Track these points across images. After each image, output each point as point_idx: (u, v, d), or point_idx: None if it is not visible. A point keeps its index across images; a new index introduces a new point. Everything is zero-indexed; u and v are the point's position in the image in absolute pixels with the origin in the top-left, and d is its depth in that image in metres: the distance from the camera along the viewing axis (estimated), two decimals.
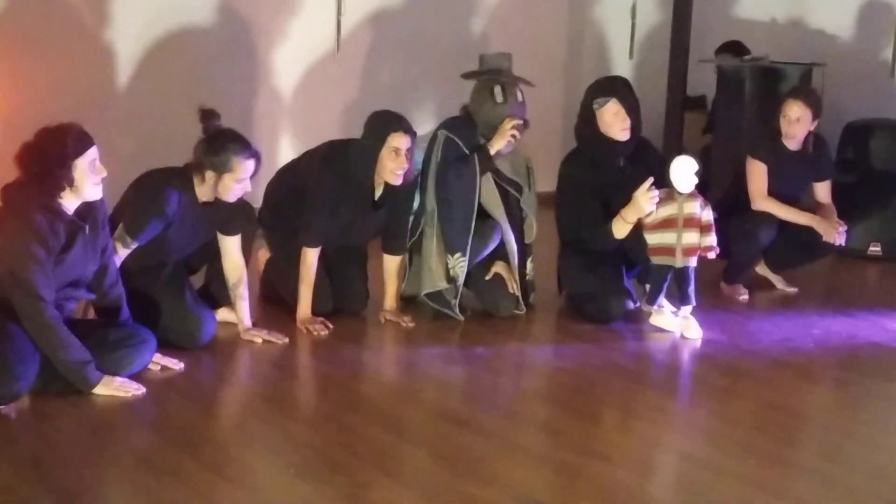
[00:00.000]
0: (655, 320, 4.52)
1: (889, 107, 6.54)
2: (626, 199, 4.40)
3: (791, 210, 5.02)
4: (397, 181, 4.29)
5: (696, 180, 4.31)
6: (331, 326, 4.37)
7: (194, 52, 5.93)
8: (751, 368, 4.27)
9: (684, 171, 4.29)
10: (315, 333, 4.30)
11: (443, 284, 4.53)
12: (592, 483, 3.09)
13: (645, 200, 4.31)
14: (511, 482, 3.06)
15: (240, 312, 4.23)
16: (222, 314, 4.40)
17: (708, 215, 4.39)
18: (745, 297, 5.07)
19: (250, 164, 4.00)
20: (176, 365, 3.87)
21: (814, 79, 6.50)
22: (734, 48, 6.92)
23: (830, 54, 6.82)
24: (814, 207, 5.20)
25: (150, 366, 3.83)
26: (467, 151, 4.50)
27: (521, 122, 4.51)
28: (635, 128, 4.54)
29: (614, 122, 4.50)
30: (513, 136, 4.47)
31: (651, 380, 4.21)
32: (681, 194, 4.32)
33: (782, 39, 7.13)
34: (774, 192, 5.04)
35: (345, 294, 4.56)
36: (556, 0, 7.40)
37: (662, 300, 4.53)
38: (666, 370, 4.33)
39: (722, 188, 5.63)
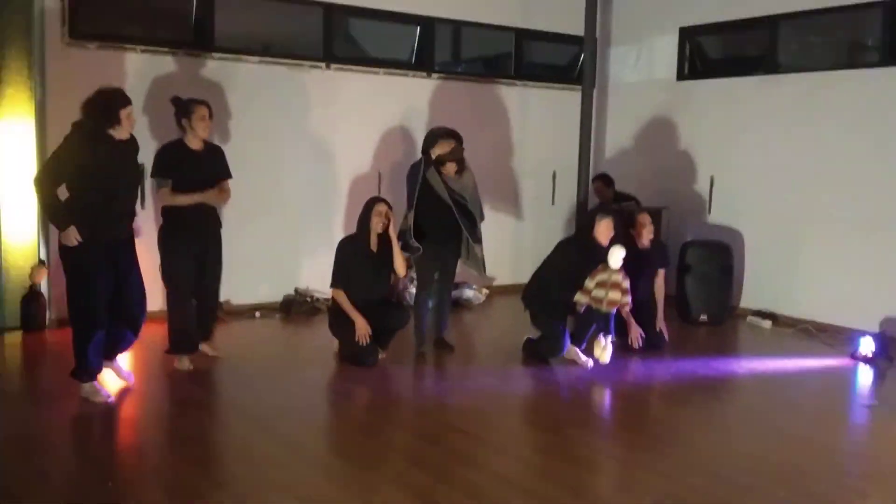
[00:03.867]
0: (570, 354, 6.08)
1: (706, 232, 8.22)
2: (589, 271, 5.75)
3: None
4: (381, 230, 5.94)
5: (621, 261, 5.97)
6: (371, 334, 5.75)
7: None
8: (632, 394, 5.43)
9: (617, 255, 6.00)
10: (364, 341, 5.80)
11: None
12: None
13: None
14: None
15: None
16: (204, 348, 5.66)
17: (626, 283, 6.05)
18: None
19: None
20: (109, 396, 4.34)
21: (663, 217, 7.90)
22: (604, 178, 8.38)
23: (672, 199, 8.42)
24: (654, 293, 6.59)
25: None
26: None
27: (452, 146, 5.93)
28: (615, 238, 6.00)
29: (604, 233, 6.01)
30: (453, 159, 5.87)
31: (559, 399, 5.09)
32: (611, 268, 6.00)
33: (645, 188, 8.59)
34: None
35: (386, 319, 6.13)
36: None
37: (583, 347, 6.00)
38: (573, 395, 5.28)
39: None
